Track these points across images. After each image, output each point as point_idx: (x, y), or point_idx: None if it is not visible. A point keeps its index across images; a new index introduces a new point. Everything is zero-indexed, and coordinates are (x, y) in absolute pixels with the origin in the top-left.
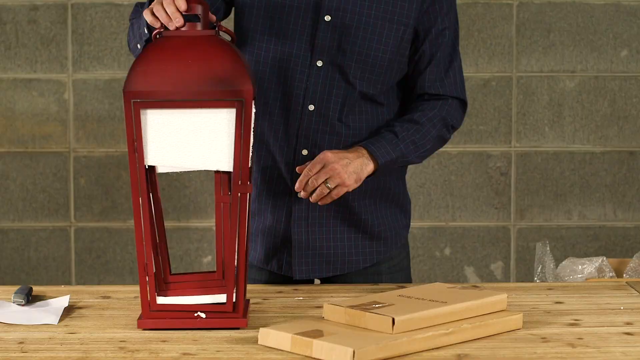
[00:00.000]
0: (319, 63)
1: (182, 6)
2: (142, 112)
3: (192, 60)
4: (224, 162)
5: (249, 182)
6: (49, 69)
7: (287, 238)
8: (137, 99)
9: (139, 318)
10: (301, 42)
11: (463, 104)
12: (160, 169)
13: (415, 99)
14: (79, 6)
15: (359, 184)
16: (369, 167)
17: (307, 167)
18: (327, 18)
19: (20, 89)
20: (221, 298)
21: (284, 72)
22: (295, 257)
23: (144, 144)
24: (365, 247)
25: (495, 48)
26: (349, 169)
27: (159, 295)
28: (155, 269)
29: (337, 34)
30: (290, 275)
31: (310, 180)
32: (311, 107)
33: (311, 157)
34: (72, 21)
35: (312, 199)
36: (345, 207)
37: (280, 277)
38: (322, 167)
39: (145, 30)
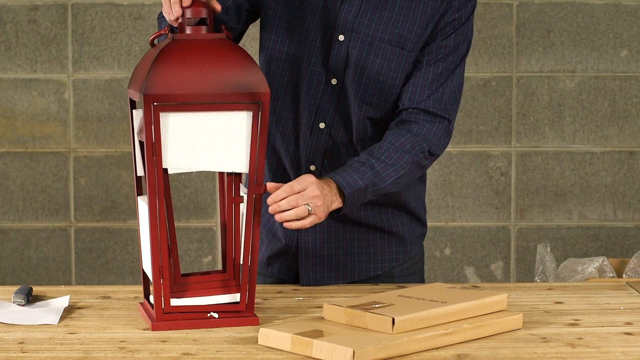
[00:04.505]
0: (334, 81)
1: (187, 1)
2: (162, 115)
3: (209, 63)
4: (241, 163)
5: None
6: (49, 69)
7: (292, 245)
8: (158, 102)
9: (152, 320)
10: (318, 59)
11: (448, 127)
12: (171, 170)
13: (398, 113)
14: (79, 6)
15: (325, 218)
16: (335, 203)
17: (289, 185)
18: (341, 38)
19: (20, 89)
20: (234, 298)
21: (299, 86)
22: (303, 264)
23: (163, 146)
24: (377, 254)
25: (495, 48)
26: (325, 200)
27: (172, 297)
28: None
29: (350, 54)
30: (291, 280)
31: (292, 197)
32: (322, 125)
33: (318, 173)
34: (72, 21)
35: (287, 215)
36: (356, 215)
37: (282, 280)
38: (305, 190)
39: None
